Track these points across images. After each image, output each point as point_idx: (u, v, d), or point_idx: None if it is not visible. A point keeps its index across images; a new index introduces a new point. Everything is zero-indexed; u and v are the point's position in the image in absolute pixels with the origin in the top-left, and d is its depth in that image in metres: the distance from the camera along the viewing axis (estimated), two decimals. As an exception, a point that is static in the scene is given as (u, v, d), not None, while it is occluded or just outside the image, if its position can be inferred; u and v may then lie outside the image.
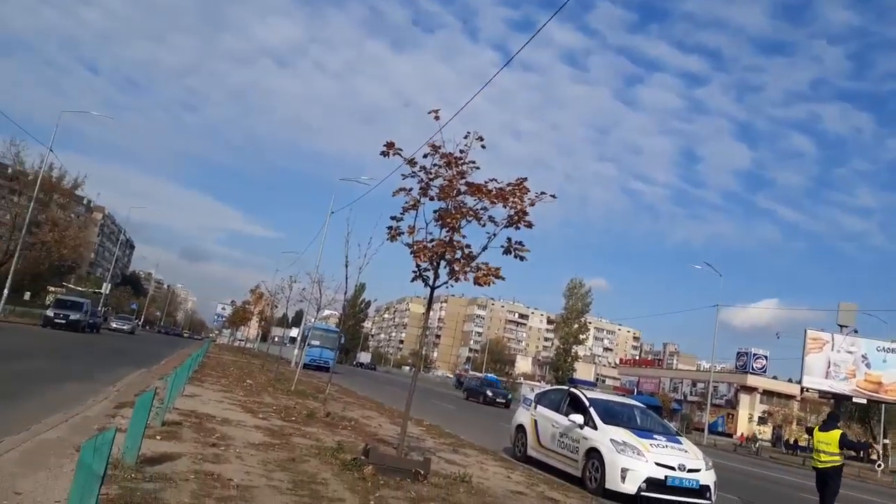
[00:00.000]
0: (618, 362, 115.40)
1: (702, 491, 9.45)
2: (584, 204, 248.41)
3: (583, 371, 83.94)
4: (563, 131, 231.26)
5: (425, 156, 8.15)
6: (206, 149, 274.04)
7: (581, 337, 79.72)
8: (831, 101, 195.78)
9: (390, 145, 7.77)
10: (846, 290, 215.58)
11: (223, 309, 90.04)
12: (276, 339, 44.58)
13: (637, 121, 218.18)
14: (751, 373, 69.11)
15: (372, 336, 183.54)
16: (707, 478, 9.56)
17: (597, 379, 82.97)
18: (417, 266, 7.82)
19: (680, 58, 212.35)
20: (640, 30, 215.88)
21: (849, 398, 42.12)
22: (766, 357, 70.58)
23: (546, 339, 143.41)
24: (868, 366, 41.03)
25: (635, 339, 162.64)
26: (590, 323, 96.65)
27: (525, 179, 8.43)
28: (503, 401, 36.79)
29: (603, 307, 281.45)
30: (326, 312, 39.04)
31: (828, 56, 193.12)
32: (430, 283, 7.93)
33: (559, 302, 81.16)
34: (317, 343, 35.79)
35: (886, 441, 51.92)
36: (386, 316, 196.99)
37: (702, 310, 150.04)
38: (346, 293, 13.18)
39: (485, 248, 8.33)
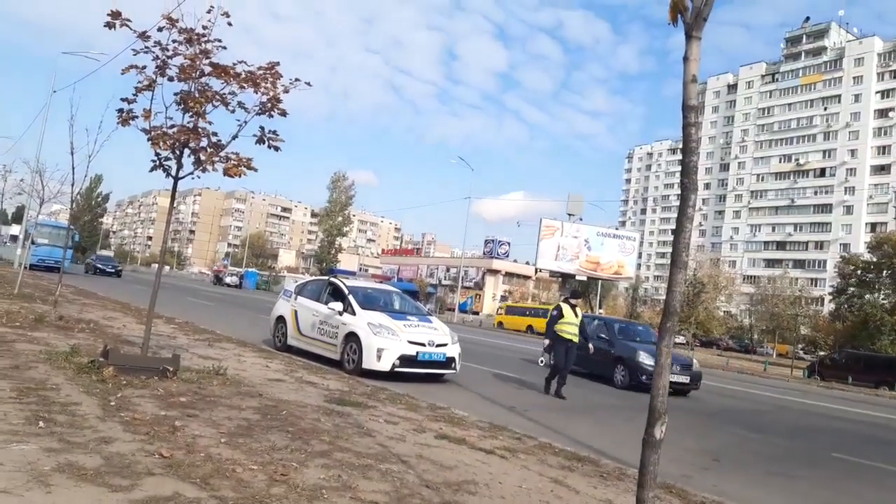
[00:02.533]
0: (380, 252, 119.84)
1: (448, 362, 10.53)
2: (349, 97, 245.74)
3: (347, 262, 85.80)
4: (328, 18, 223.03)
5: (160, 30, 7.31)
6: None
7: (345, 229, 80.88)
8: (576, 8, 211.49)
9: (115, 14, 6.79)
10: (578, 183, 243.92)
11: (-81, 206, 75.05)
12: (-7, 238, 38.70)
13: (402, 13, 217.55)
14: (496, 258, 76.45)
15: (114, 233, 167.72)
16: (453, 350, 10.61)
17: (360, 269, 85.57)
18: (157, 154, 7.18)
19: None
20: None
21: (573, 276, 48.61)
22: (508, 244, 78.33)
23: (310, 232, 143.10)
24: (589, 248, 47.37)
25: (397, 230, 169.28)
26: (354, 215, 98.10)
27: (277, 64, 8.01)
28: None
29: (367, 200, 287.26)
30: (56, 207, 34.62)
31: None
32: (173, 173, 7.35)
33: (324, 195, 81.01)
34: (44, 241, 31.86)
35: (601, 311, 61.46)
36: (129, 211, 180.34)
37: (457, 202, 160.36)
38: (73, 185, 11.65)
39: (235, 137, 7.87)
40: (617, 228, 57.17)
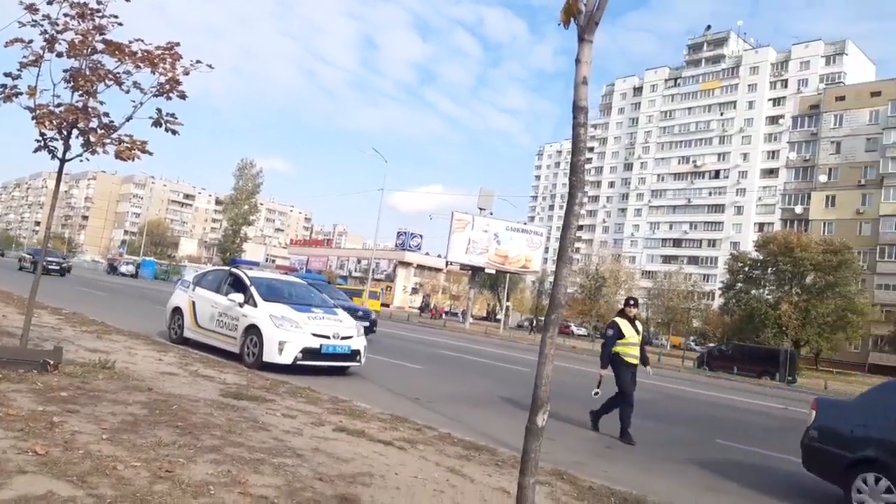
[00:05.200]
0: (289, 243, 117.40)
1: (353, 355, 10.47)
2: (262, 82, 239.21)
3: (253, 252, 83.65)
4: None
5: (50, 2, 6.91)
6: None
7: (251, 218, 78.75)
8: (495, 5, 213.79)
9: (-2, -19, 6.33)
10: (494, 178, 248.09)
11: None
12: None
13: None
14: (408, 250, 76.68)
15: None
16: (358, 343, 10.54)
17: (267, 259, 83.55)
18: (42, 135, 6.79)
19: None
20: None
21: (482, 269, 49.44)
22: (421, 236, 78.84)
23: (214, 221, 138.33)
24: (499, 243, 48.28)
25: (307, 220, 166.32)
26: (261, 204, 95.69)
27: (177, 44, 7.72)
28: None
29: (277, 188, 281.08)
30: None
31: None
32: (60, 155, 6.95)
33: (231, 182, 78.51)
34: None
35: (508, 304, 62.96)
36: (16, 194, 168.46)
37: (370, 193, 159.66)
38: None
39: (129, 119, 7.54)
40: (525, 224, 58.44)
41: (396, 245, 79.73)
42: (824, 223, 60.63)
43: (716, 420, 12.56)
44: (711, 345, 45.43)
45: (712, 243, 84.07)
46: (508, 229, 49.28)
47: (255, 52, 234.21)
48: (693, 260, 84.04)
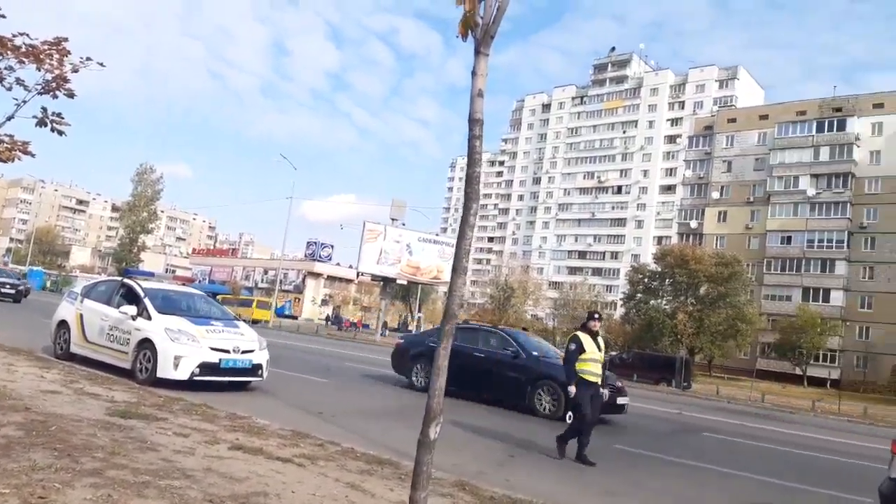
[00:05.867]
0: (191, 252, 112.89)
1: (254, 369, 10.11)
2: (166, 84, 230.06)
3: (152, 262, 79.92)
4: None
5: (-84, -12, 6.37)
6: None
7: (150, 226, 75.31)
8: (410, 17, 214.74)
9: None
10: (407, 189, 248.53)
11: None
12: None
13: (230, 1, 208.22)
14: (318, 261, 75.37)
15: None
16: (260, 357, 10.20)
17: (167, 269, 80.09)
18: None
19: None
20: None
21: (394, 280, 49.26)
22: (332, 246, 77.70)
23: (110, 229, 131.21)
24: (411, 253, 48.22)
25: (211, 228, 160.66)
26: (161, 211, 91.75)
27: (65, 39, 7.28)
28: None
29: (180, 195, 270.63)
30: None
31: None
32: (-73, 153, 6.39)
33: (128, 188, 74.72)
34: None
35: (420, 315, 63.11)
36: None
37: (279, 201, 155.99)
38: None
39: (10, 118, 7.06)
40: (437, 235, 58.77)
41: (306, 255, 78.20)
42: (717, 237, 64.30)
43: (615, 426, 12.94)
44: (613, 353, 46.98)
45: (615, 255, 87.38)
46: (420, 240, 49.34)
47: (159, 52, 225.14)
48: (597, 271, 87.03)
